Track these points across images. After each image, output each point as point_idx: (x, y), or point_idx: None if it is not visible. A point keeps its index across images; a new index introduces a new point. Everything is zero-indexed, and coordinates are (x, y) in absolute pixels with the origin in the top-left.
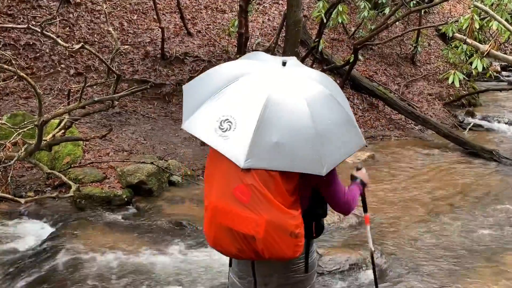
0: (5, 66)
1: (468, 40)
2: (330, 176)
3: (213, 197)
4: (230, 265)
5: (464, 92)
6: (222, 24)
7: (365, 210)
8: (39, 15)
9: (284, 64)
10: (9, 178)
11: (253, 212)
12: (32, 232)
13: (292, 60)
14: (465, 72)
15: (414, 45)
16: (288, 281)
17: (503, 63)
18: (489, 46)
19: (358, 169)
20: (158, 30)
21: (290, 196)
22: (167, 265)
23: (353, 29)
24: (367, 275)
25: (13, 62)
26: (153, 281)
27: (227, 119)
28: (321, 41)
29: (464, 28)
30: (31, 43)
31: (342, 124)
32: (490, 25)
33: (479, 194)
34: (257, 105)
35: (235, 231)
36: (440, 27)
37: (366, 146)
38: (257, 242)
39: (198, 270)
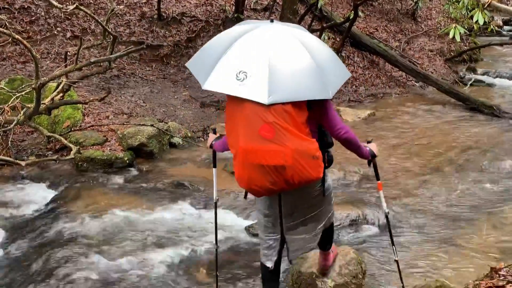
0: (1, 29)
1: None
2: (328, 105)
3: (241, 143)
4: (245, 197)
5: (465, 47)
6: None
7: (378, 178)
8: None
9: (272, 21)
10: (9, 142)
11: (279, 145)
12: (35, 196)
13: (275, 19)
14: (466, 27)
15: (415, 0)
16: (310, 202)
17: (505, 18)
18: None
19: (368, 142)
20: None
21: (304, 128)
22: (170, 224)
23: None
24: (366, 230)
25: (8, 25)
26: (156, 239)
27: (241, 71)
28: None
29: None
30: (26, 6)
31: (332, 57)
32: None
33: (480, 149)
34: (263, 53)
35: (267, 165)
36: None
37: (350, 74)
38: (287, 169)
39: (200, 228)
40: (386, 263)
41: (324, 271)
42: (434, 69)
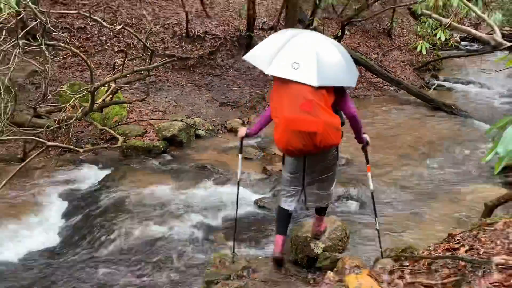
0: (63, 45)
1: (434, 15)
2: (346, 93)
3: (285, 113)
4: (282, 163)
5: (430, 59)
6: (235, 7)
7: (367, 162)
8: (88, 3)
9: (313, 29)
10: (70, 134)
11: (315, 117)
12: (90, 175)
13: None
14: (431, 43)
15: (390, 21)
16: (326, 164)
17: (462, 35)
18: (450, 19)
19: (363, 133)
20: (183, 13)
21: (331, 108)
22: (196, 198)
23: (340, 9)
24: (349, 205)
25: (69, 42)
26: (184, 210)
27: (295, 62)
28: (314, 19)
29: (430, 6)
30: (83, 26)
31: (350, 57)
32: (451, 2)
33: (441, 140)
34: (311, 50)
35: (303, 131)
36: (411, 6)
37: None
38: (317, 136)
39: (219, 202)
40: (365, 230)
41: (317, 235)
42: (405, 76)
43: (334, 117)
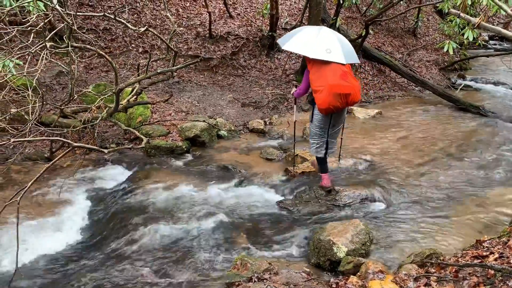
0: (88, 47)
1: (462, 14)
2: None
3: (329, 82)
4: (311, 121)
5: (456, 58)
6: (257, 7)
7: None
8: (113, 5)
9: (334, 29)
10: (95, 134)
11: (349, 83)
12: (115, 175)
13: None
14: (458, 42)
15: (415, 20)
16: (342, 120)
17: (490, 33)
18: (480, 19)
19: None
20: (206, 14)
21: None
22: (217, 197)
23: (364, 8)
24: (373, 208)
25: (95, 43)
26: (206, 210)
27: (328, 48)
28: (338, 19)
29: (458, 4)
30: (108, 27)
31: (351, 45)
32: (480, 1)
33: (468, 142)
34: (335, 40)
35: (341, 93)
36: (438, 4)
37: (359, 62)
38: (351, 96)
39: (241, 201)
40: (389, 234)
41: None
42: (430, 76)
43: (358, 82)
